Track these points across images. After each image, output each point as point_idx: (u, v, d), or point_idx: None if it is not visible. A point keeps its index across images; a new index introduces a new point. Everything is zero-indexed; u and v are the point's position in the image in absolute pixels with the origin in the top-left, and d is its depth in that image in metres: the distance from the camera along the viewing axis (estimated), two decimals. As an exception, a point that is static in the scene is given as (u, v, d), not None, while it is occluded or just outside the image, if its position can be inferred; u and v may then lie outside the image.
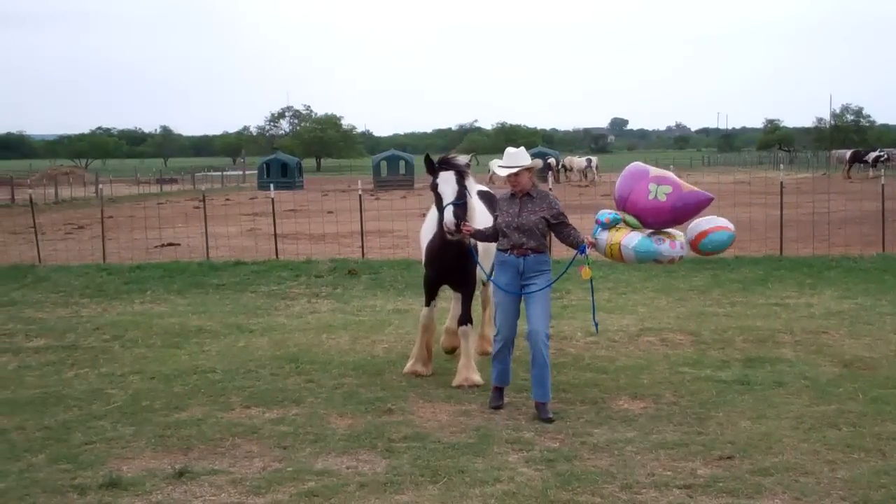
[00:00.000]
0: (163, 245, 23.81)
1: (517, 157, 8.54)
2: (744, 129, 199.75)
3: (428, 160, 9.00)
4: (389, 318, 13.22)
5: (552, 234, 8.71)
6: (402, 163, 66.21)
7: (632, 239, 8.20)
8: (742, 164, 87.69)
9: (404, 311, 13.77)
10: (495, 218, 8.77)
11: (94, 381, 9.98)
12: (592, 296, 9.46)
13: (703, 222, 8.52)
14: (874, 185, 23.09)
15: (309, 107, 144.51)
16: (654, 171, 8.49)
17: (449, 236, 8.70)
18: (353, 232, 23.18)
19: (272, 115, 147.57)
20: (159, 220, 28.01)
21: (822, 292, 14.40)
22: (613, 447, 7.47)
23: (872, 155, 61.35)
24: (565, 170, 65.31)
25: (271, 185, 25.95)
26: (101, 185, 41.65)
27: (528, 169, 8.57)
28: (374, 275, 17.28)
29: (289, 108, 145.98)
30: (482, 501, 6.36)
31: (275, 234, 21.51)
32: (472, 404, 8.72)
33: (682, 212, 8.26)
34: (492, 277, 8.88)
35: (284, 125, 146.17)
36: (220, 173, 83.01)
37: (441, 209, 8.80)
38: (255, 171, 72.06)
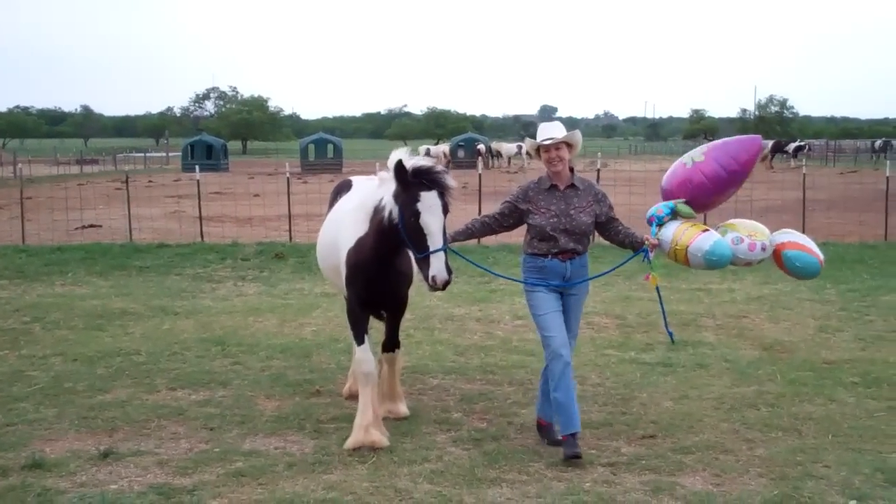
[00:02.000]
0: (84, 227, 23.33)
1: (555, 129, 6.99)
2: (670, 119, 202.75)
3: (400, 168, 6.55)
4: (317, 302, 13.18)
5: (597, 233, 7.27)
6: (330, 146, 65.85)
7: (704, 243, 6.74)
8: (668, 153, 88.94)
9: (332, 294, 13.71)
10: (507, 207, 7.10)
11: (15, 363, 9.78)
12: (661, 304, 7.80)
13: (799, 237, 7.10)
14: (796, 175, 23.65)
15: (235, 88, 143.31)
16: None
17: (431, 290, 6.52)
18: (281, 215, 23.03)
19: (197, 95, 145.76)
20: (80, 202, 27.42)
21: (743, 278, 14.72)
22: (540, 427, 7.57)
23: (793, 145, 62.81)
24: (492, 156, 65.56)
25: (196, 167, 25.59)
26: (19, 165, 40.65)
27: (570, 146, 7.00)
28: (302, 258, 17.18)
29: (214, 89, 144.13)
30: (410, 480, 6.41)
31: (200, 217, 21.26)
32: (402, 386, 8.74)
33: (728, 162, 6.89)
34: (527, 283, 7.07)
35: (209, 106, 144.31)
36: (142, 154, 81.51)
37: (417, 245, 6.48)
38: (179, 153, 70.95)
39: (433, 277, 6.36)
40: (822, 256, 6.99)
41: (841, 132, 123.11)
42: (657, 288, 7.28)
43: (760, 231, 6.98)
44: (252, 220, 24.94)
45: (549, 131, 6.94)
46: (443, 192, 6.55)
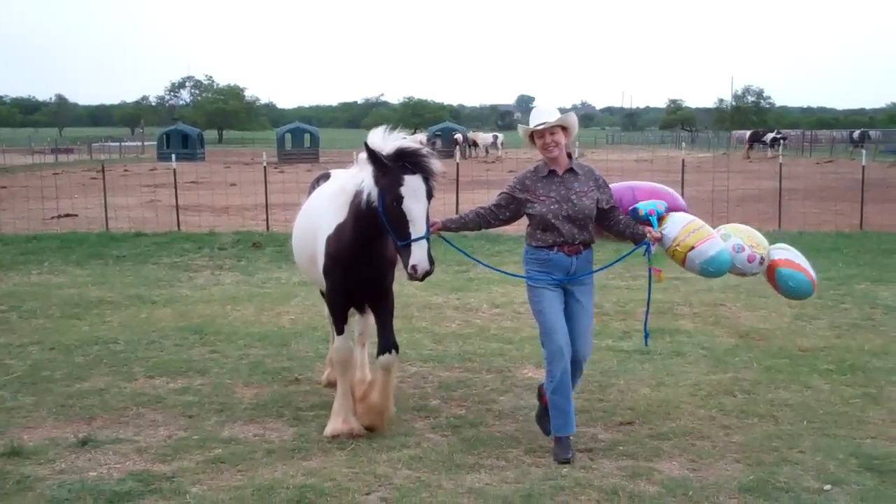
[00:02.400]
0: (60, 216, 23.18)
1: (548, 113, 6.61)
2: (647, 109, 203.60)
3: (372, 154, 6.24)
4: (295, 290, 13.17)
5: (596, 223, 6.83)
6: (307, 135, 65.71)
7: (709, 249, 6.51)
8: (645, 143, 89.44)
9: (310, 283, 13.69)
10: (504, 198, 6.77)
11: (-9, 351, 9.72)
12: (648, 305, 7.22)
13: (795, 255, 6.88)
14: (772, 165, 23.85)
15: (211, 77, 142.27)
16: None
17: (410, 279, 6.21)
18: (258, 204, 22.97)
19: (172, 84, 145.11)
20: (56, 191, 27.23)
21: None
22: (518, 413, 7.63)
23: (769, 136, 63.26)
24: (468, 145, 65.56)
25: (172, 156, 25.44)
26: (-7, 154, 40.26)
27: (565, 130, 6.67)
28: (279, 247, 17.15)
29: (190, 78, 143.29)
30: (390, 466, 6.43)
31: (176, 206, 21.20)
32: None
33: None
34: (529, 279, 6.74)
35: (185, 95, 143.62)
36: (118, 144, 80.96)
37: (398, 232, 6.16)
38: (155, 142, 70.54)
39: (413, 267, 6.04)
40: (815, 278, 6.80)
41: (817, 122, 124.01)
42: (649, 286, 7.11)
43: (760, 242, 6.75)
44: (229, 209, 24.86)
45: (542, 115, 6.60)
46: (428, 176, 6.21)
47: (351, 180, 6.75)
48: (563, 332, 6.54)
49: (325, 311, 7.93)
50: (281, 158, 58.55)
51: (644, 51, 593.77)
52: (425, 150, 6.34)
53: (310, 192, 7.97)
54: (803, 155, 61.72)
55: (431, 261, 6.11)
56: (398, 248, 6.24)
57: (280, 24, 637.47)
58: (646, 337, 7.18)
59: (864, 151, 25.19)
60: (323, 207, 7.07)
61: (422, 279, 6.14)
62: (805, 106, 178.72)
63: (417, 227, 6.10)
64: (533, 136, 6.66)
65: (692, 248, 6.50)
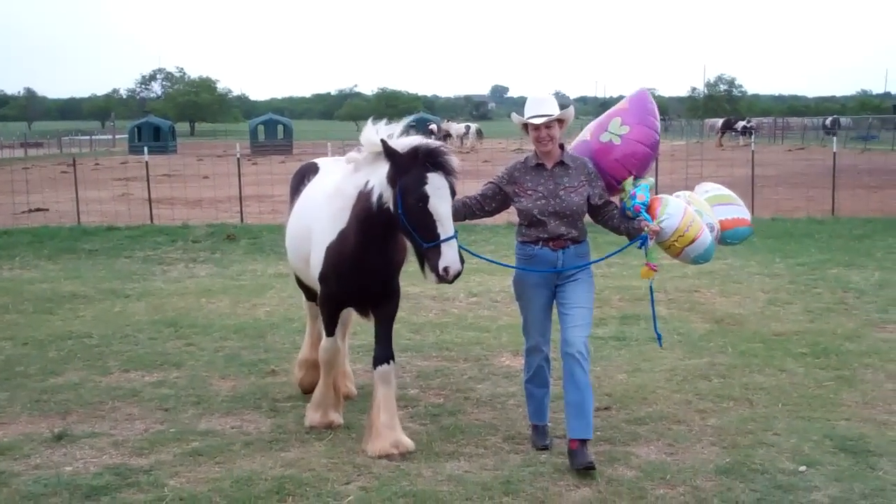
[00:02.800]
0: (30, 210, 22.93)
1: (546, 105, 6.31)
2: (621, 98, 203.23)
3: (391, 152, 5.89)
4: (270, 282, 13.13)
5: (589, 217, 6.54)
6: (280, 127, 65.39)
7: (705, 239, 6.28)
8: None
9: (286, 275, 13.64)
10: (491, 188, 6.52)
11: (-37, 347, 9.62)
12: (652, 302, 6.90)
13: (732, 210, 6.74)
14: (745, 153, 24.01)
15: (182, 69, 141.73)
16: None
17: (438, 282, 5.83)
18: (231, 197, 22.85)
19: (143, 77, 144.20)
20: (27, 185, 26.92)
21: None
22: (496, 401, 7.65)
23: (741, 124, 63.72)
24: (443, 136, 65.48)
25: (144, 149, 25.26)
26: (-39, 149, 39.82)
27: (561, 123, 6.40)
28: (254, 239, 17.09)
29: (160, 70, 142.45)
30: (368, 456, 6.42)
31: (149, 199, 21.07)
32: (357, 364, 8.75)
33: (652, 122, 6.61)
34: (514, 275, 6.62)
35: (156, 88, 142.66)
36: (88, 137, 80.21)
37: (424, 233, 5.77)
38: (126, 135, 70.00)
39: (445, 268, 5.66)
40: (747, 215, 6.72)
41: (788, 110, 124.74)
42: (651, 288, 6.78)
43: (706, 208, 6.52)
44: (202, 201, 24.73)
45: (540, 107, 6.26)
46: (450, 173, 5.88)
47: (349, 182, 6.36)
48: (539, 329, 6.46)
49: (303, 302, 7.81)
50: (254, 150, 58.28)
51: (617, 40, 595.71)
52: (445, 146, 6.01)
53: (295, 186, 7.60)
54: (775, 142, 62.22)
55: (462, 260, 5.79)
56: (424, 249, 5.80)
57: (252, 15, 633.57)
58: (658, 339, 6.97)
59: (834, 138, 25.41)
60: (319, 211, 6.66)
61: (452, 281, 5.77)
62: (777, 94, 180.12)
63: (446, 227, 5.75)
64: (527, 125, 6.36)
65: (693, 240, 6.21)
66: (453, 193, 5.90)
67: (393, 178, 5.89)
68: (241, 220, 20.02)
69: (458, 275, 5.71)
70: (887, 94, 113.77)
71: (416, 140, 5.97)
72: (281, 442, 6.75)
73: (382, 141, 5.91)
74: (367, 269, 6.35)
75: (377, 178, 6.04)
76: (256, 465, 6.30)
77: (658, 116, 6.67)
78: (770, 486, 5.84)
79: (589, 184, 6.32)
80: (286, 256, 7.66)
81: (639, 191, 6.30)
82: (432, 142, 5.99)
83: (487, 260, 7.69)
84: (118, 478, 6.08)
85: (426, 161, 5.79)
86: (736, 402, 7.55)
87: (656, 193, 6.60)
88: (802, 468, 6.12)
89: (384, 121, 6.34)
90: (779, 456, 6.34)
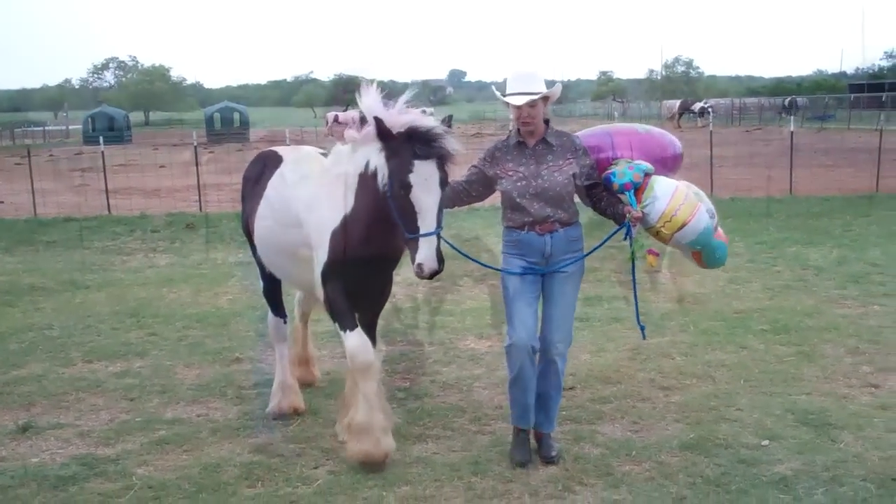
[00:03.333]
0: (-16, 203, 22.64)
1: (531, 81, 5.77)
2: (578, 81, 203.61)
3: (382, 129, 5.40)
4: (232, 271, 13.06)
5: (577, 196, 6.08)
6: (236, 115, 64.92)
7: (699, 223, 5.69)
8: (577, 115, 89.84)
9: (247, 262, 13.57)
10: (474, 173, 6.07)
11: (-80, 342, 9.48)
12: (635, 294, 6.39)
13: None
14: (703, 134, 24.21)
15: (135, 57, 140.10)
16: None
17: (418, 276, 5.31)
18: (189, 186, 22.68)
19: (95, 66, 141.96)
20: (-21, 177, 26.61)
21: (652, 234, 14.97)
22: (462, 384, 7.69)
23: (698, 105, 64.34)
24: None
25: (100, 139, 24.97)
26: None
27: (546, 100, 5.91)
28: (214, 228, 16.99)
29: (113, 59, 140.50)
30: (336, 440, 6.42)
31: (106, 190, 20.87)
32: (322, 350, 8.73)
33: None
34: (501, 266, 6.07)
35: (109, 77, 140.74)
36: (41, 128, 79.08)
37: (406, 223, 5.33)
38: (80, 126, 69.09)
39: (419, 265, 5.23)
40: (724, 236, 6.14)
41: (746, 90, 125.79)
42: (633, 277, 6.25)
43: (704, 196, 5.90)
44: (160, 191, 24.52)
45: (524, 83, 5.74)
46: (443, 161, 5.38)
47: (348, 164, 5.85)
48: (523, 325, 5.84)
49: (261, 289, 7.46)
50: (210, 139, 57.77)
51: (573, 22, 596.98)
52: (440, 128, 5.41)
53: (256, 177, 6.84)
54: (733, 124, 62.69)
55: (441, 259, 5.28)
56: (405, 240, 5.40)
57: (205, 2, 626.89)
58: (642, 330, 6.38)
59: (791, 118, 25.69)
60: (313, 199, 6.06)
61: (429, 278, 5.30)
62: (733, 75, 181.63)
63: (426, 222, 5.26)
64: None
65: (683, 225, 5.65)
66: (445, 184, 5.42)
67: (387, 158, 5.45)
68: (200, 208, 19.89)
69: (433, 274, 5.25)
70: (842, 74, 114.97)
71: (414, 119, 5.45)
72: (248, 428, 6.74)
73: (376, 119, 5.42)
74: (375, 258, 5.88)
75: (376, 156, 5.55)
76: (224, 451, 6.29)
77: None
78: (734, 461, 5.94)
79: (576, 161, 5.87)
80: (250, 253, 7.19)
81: (634, 171, 5.77)
82: (428, 124, 5.42)
83: (480, 263, 6.78)
84: (85, 468, 6.05)
85: (416, 146, 5.31)
86: (699, 379, 7.64)
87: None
88: (765, 442, 6.22)
89: (377, 90, 5.74)
90: (742, 431, 6.43)
